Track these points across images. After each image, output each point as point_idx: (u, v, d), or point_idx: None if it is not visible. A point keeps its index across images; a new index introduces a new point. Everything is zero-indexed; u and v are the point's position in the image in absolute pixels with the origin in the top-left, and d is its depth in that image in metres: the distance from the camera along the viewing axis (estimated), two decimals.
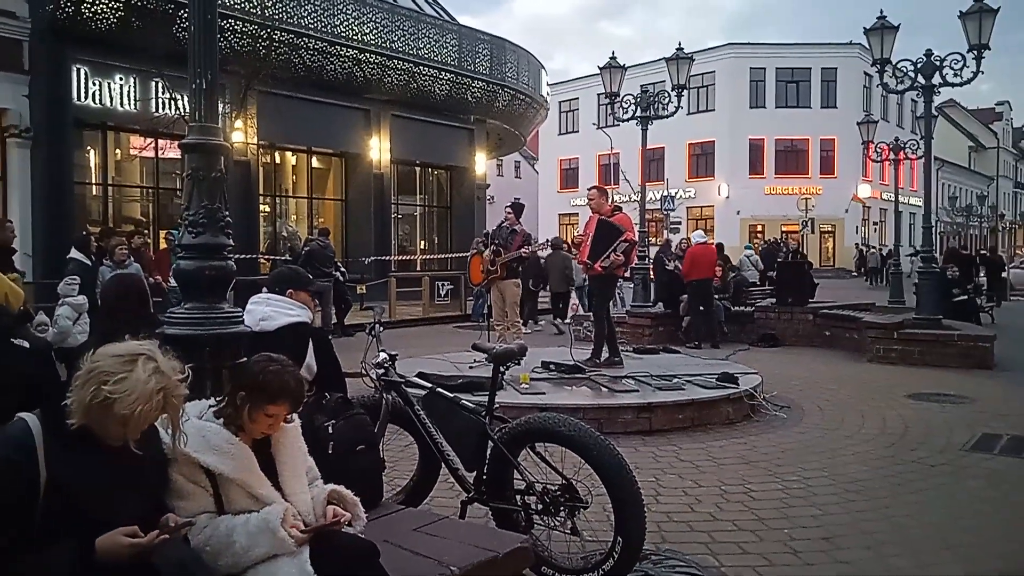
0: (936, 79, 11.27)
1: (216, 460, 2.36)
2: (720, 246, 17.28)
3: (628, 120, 13.85)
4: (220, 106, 3.59)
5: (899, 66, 11.75)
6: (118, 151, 17.31)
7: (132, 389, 2.03)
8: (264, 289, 3.71)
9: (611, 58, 13.73)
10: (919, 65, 11.37)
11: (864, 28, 11.91)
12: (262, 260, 18.14)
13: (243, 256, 13.49)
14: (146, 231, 15.60)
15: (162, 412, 2.14)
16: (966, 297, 15.35)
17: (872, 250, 38.19)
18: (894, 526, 4.40)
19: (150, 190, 17.76)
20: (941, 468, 5.59)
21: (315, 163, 21.50)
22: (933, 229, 12.17)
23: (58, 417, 2.08)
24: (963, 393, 8.32)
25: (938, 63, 11.22)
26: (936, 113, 14.01)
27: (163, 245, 15.05)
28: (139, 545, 2.04)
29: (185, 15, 14.54)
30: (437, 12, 23.20)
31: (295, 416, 2.62)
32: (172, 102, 14.68)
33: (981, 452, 6.02)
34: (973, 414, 7.34)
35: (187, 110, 13.19)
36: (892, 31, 11.62)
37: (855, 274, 39.20)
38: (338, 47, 18.05)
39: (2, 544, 1.95)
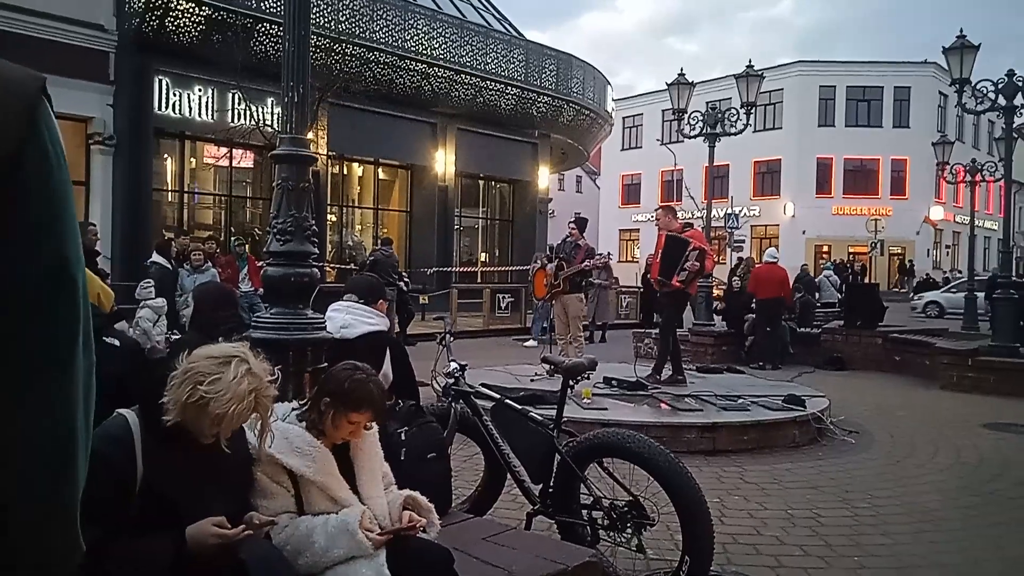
0: (1018, 100, 10.96)
1: (298, 462, 2.44)
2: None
3: (695, 137, 13.78)
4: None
5: (978, 86, 11.45)
6: (193, 160, 17.89)
7: (226, 389, 2.11)
8: (344, 297, 3.81)
9: (679, 74, 13.68)
10: (1000, 85, 11.07)
11: (943, 47, 11.64)
12: (328, 268, 18.50)
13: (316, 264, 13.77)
14: (218, 238, 16.04)
15: (253, 412, 2.22)
16: None
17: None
18: (969, 559, 4.27)
19: (223, 198, 18.29)
20: (1019, 501, 5.40)
21: (381, 174, 21.86)
22: (1012, 254, 11.78)
23: (155, 414, 2.17)
24: None
25: (1020, 84, 10.91)
26: (1016, 135, 13.58)
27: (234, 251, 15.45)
28: (226, 537, 2.11)
29: (263, 29, 15.02)
30: (505, 28, 23.42)
31: (374, 423, 2.68)
32: (247, 113, 15.12)
33: None
34: None
35: (261, 120, 13.52)
36: (972, 50, 11.32)
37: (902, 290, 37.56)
38: (408, 61, 18.36)
39: (95, 535, 2.04)
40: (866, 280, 29.05)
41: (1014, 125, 11.92)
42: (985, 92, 11.40)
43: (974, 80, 11.46)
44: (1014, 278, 11.64)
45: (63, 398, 0.75)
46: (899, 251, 40.88)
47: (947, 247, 44.93)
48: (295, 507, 2.44)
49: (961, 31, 11.47)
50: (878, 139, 40.90)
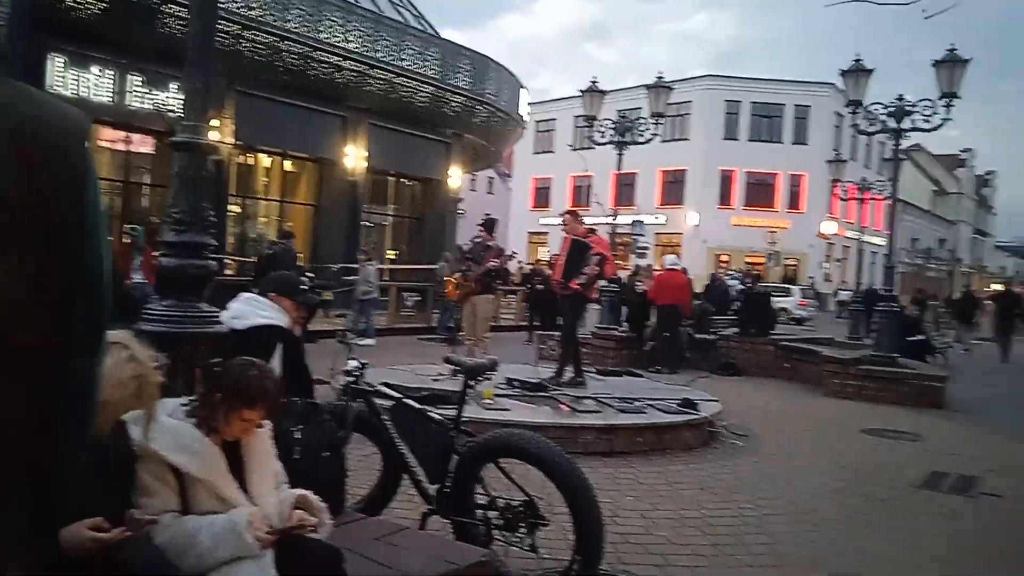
0: (906, 123, 11.61)
1: (185, 459, 2.37)
2: (683, 271, 17.46)
3: (605, 144, 14.04)
4: None
5: (871, 108, 12.07)
6: (88, 143, 17.07)
7: (106, 376, 2.04)
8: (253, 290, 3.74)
9: (592, 81, 13.92)
10: (891, 109, 11.70)
11: (840, 70, 12.23)
12: (228, 261, 17.98)
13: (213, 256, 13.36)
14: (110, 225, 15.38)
15: (137, 400, 2.14)
16: (923, 337, 15.70)
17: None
18: (845, 558, 4.51)
19: (119, 183, 17.53)
20: (892, 503, 5.73)
21: (288, 166, 21.38)
22: (894, 269, 12.46)
23: None
24: (915, 430, 8.52)
25: (909, 108, 11.56)
26: (903, 156, 14.38)
27: (126, 240, 14.86)
28: (103, 540, 2.04)
29: (170, 11, 14.47)
30: (422, 25, 23.27)
31: (267, 421, 2.63)
32: (148, 96, 14.55)
33: (930, 489, 6.17)
34: (924, 452, 7.53)
35: (163, 104, 13.02)
36: (867, 74, 11.95)
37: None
38: (320, 53, 18.02)
39: None
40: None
41: (902, 147, 12.61)
42: (877, 114, 12.03)
43: (868, 102, 12.10)
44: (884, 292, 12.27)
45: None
46: (793, 263, 42.68)
47: (838, 260, 47.10)
48: (179, 506, 2.36)
49: (857, 55, 12.09)
50: (778, 154, 42.60)
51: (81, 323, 1.22)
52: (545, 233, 47.83)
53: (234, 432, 2.48)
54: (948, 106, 11.10)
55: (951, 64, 11.01)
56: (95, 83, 15.13)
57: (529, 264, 19.59)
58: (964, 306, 23.08)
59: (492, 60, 23.28)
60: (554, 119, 49.81)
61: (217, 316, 3.20)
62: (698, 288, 20.17)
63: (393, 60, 19.68)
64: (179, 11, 14.62)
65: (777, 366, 12.88)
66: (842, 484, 6.17)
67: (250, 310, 3.53)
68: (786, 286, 32.69)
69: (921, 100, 11.52)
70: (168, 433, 2.37)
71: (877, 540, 4.86)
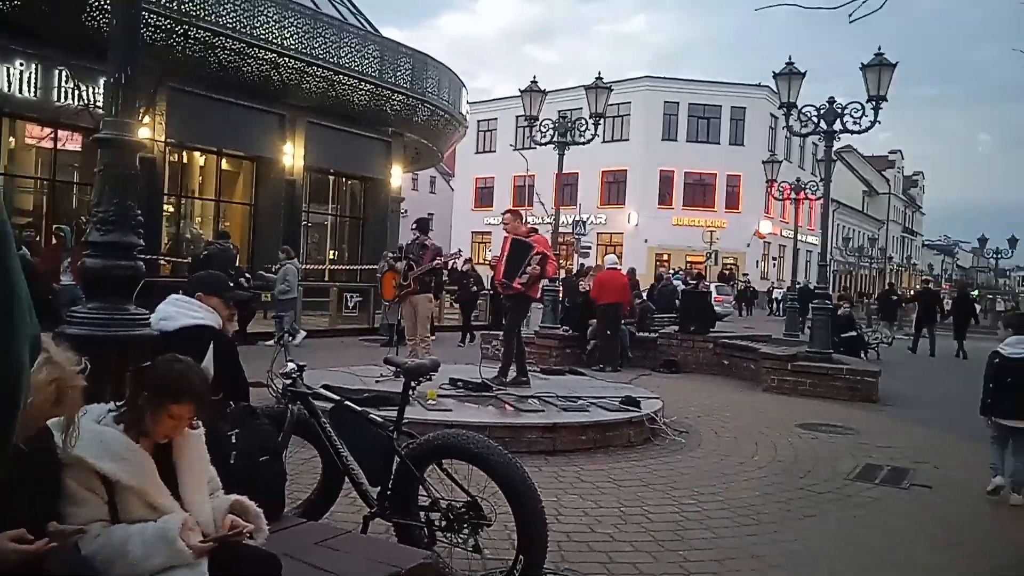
0: (837, 125, 11.91)
1: (113, 467, 2.28)
2: (632, 271, 17.71)
3: (546, 144, 14.09)
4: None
5: (804, 111, 12.35)
6: (12, 139, 16.46)
7: None
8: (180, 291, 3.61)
9: (532, 82, 13.95)
10: (822, 111, 12.00)
11: (773, 72, 12.48)
12: (162, 261, 17.52)
13: (144, 257, 13.00)
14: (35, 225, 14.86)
15: (57, 406, 2.04)
16: (855, 333, 16.17)
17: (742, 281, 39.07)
18: (782, 551, 4.59)
19: (45, 182, 16.93)
20: (827, 496, 5.86)
21: (225, 165, 20.94)
22: (828, 267, 12.78)
23: None
24: (849, 424, 8.74)
25: (840, 111, 11.87)
26: (835, 157, 14.75)
27: (53, 240, 14.35)
28: (26, 552, 1.95)
29: (95, 3, 13.99)
30: (360, 22, 23.04)
31: (199, 423, 2.55)
32: (76, 92, 14.07)
33: (864, 481, 6.33)
34: (857, 445, 7.72)
35: (92, 101, 12.60)
36: (799, 77, 12.22)
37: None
38: (256, 49, 17.67)
39: None
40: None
41: (833, 148, 12.93)
42: (809, 116, 12.31)
43: (800, 105, 12.37)
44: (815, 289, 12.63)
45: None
46: (732, 261, 43.52)
47: (774, 259, 48.21)
48: (108, 515, 2.27)
49: (790, 58, 12.36)
50: (715, 155, 43.41)
51: None
52: (488, 233, 47.85)
53: (164, 432, 2.39)
54: (876, 108, 11.41)
55: (878, 67, 11.32)
56: (18, 78, 14.57)
57: (461, 264, 19.57)
58: (886, 302, 23.96)
59: (432, 58, 23.18)
60: (495, 119, 49.87)
61: (147, 319, 3.09)
62: (644, 287, 20.52)
63: (331, 57, 19.43)
64: (105, 3, 14.17)
65: (717, 363, 13.09)
66: (779, 478, 6.29)
67: (178, 311, 3.42)
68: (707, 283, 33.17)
69: (851, 103, 11.85)
70: (95, 439, 2.28)
71: (814, 532, 4.97)
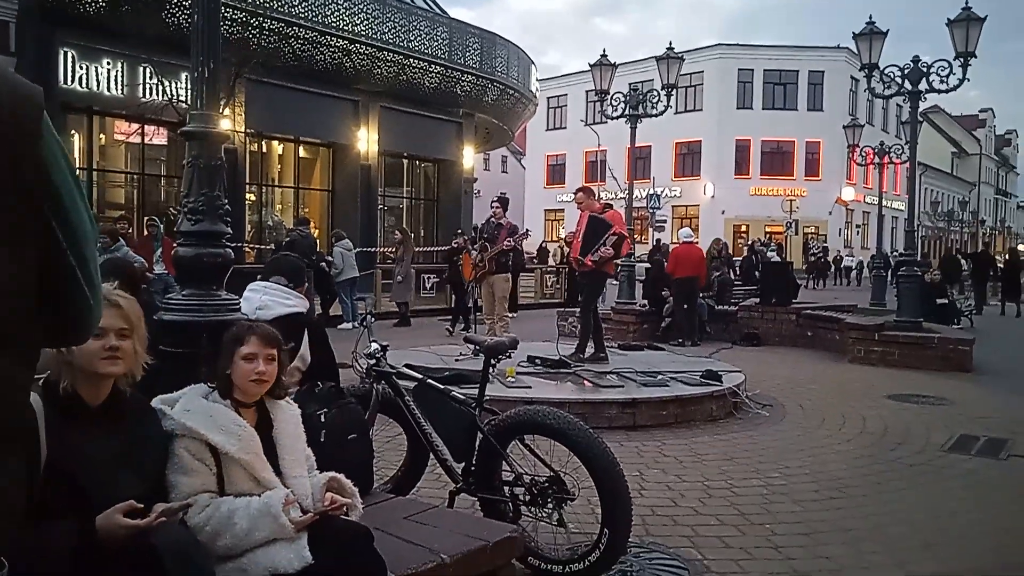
0: (923, 85, 11.39)
1: (223, 439, 2.39)
2: (722, 243, 17.33)
3: (617, 118, 13.91)
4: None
5: (886, 71, 11.86)
6: (103, 136, 17.18)
7: None
8: (259, 277, 3.73)
9: (602, 55, 13.77)
10: (906, 71, 11.49)
11: (853, 33, 12.02)
12: (247, 248, 18.08)
13: (231, 244, 13.43)
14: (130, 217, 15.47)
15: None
16: (947, 301, 15.56)
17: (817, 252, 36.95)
18: (873, 524, 4.48)
19: (135, 176, 17.64)
20: (920, 468, 5.69)
21: (302, 153, 21.43)
22: (915, 233, 12.31)
23: (52, 386, 2.10)
24: (942, 395, 8.45)
25: (925, 69, 11.34)
26: (921, 119, 14.15)
27: (146, 232, 14.94)
28: (136, 527, 2.05)
29: (175, 0, 14.45)
30: (428, 4, 23.16)
31: (294, 403, 2.65)
32: (160, 88, 14.58)
33: (959, 453, 6.12)
34: (951, 416, 7.46)
35: (175, 95, 13.06)
36: (881, 36, 11.75)
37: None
38: (328, 37, 17.98)
39: None
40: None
41: (919, 109, 12.40)
42: (892, 77, 11.81)
43: (883, 65, 11.89)
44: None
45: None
46: (812, 231, 42.36)
47: (858, 227, 46.69)
48: (216, 486, 2.38)
49: (870, 17, 11.87)
50: (793, 122, 42.16)
51: (71, 299, 1.12)
52: (561, 210, 47.73)
53: (249, 378, 2.50)
54: (965, 66, 10.88)
55: (966, 23, 10.78)
56: (106, 76, 15.19)
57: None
58: (980, 266, 22.82)
59: (500, 37, 23.15)
60: (565, 95, 49.54)
61: (237, 303, 3.21)
62: (737, 259, 20.23)
63: (401, 41, 19.61)
64: (184, 0, 14.62)
65: (800, 335, 12.79)
66: (868, 451, 6.13)
67: (273, 300, 3.53)
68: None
69: (937, 61, 11.31)
70: (205, 414, 2.41)
71: (905, 505, 4.84)
